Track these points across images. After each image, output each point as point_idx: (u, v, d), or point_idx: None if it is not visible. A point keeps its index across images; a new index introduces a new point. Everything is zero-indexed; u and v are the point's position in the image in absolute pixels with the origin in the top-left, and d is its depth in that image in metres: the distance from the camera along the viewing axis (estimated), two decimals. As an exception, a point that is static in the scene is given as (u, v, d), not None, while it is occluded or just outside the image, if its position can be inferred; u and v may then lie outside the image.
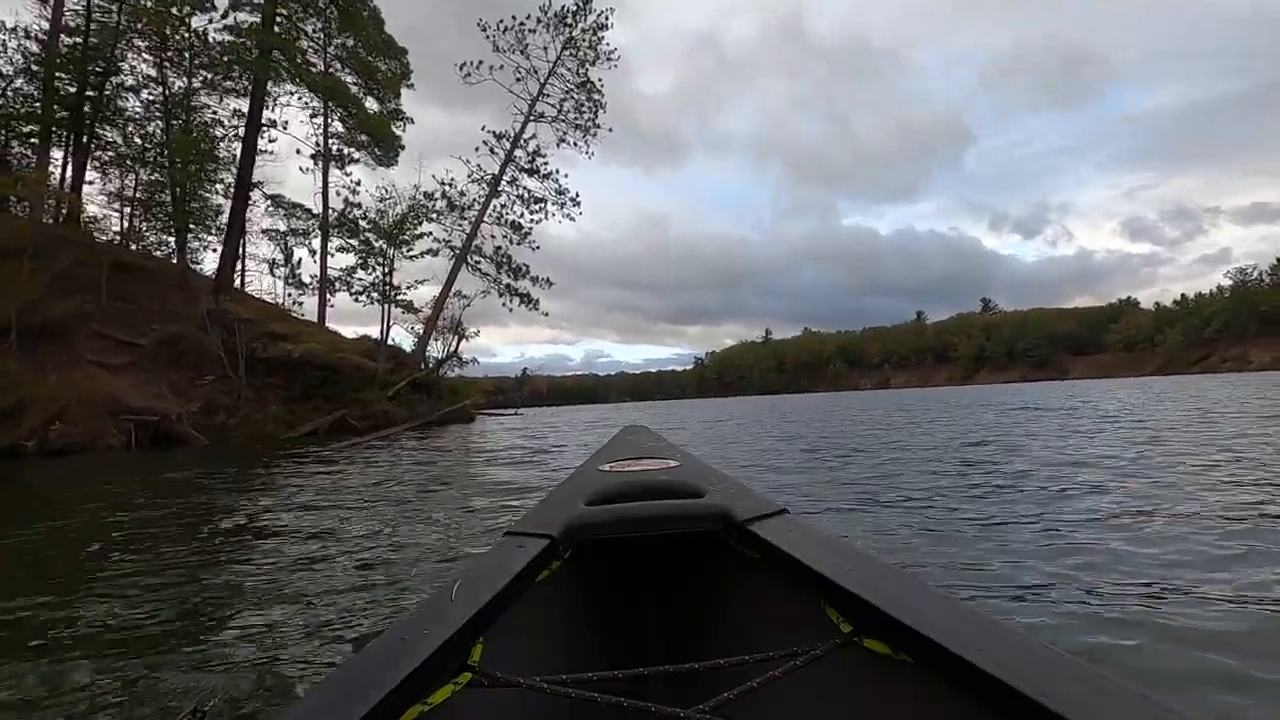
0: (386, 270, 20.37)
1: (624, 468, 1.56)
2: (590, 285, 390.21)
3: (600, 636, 1.20)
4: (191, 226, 18.01)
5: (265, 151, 25.18)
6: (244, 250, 27.24)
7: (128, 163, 17.68)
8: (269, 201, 21.35)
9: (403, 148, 22.36)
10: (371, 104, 21.62)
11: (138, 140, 17.66)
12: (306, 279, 26.17)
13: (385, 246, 20.23)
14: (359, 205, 22.74)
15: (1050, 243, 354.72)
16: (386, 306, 19.71)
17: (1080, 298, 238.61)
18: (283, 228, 22.93)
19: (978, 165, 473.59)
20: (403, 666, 0.66)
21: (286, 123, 24.89)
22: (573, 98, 26.28)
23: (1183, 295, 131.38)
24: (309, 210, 22.79)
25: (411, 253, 21.20)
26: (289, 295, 23.64)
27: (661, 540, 1.12)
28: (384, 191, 20.05)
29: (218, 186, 18.23)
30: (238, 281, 27.12)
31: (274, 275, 22.11)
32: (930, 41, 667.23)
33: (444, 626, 0.74)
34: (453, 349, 21.80)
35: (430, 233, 22.76)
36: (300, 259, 23.20)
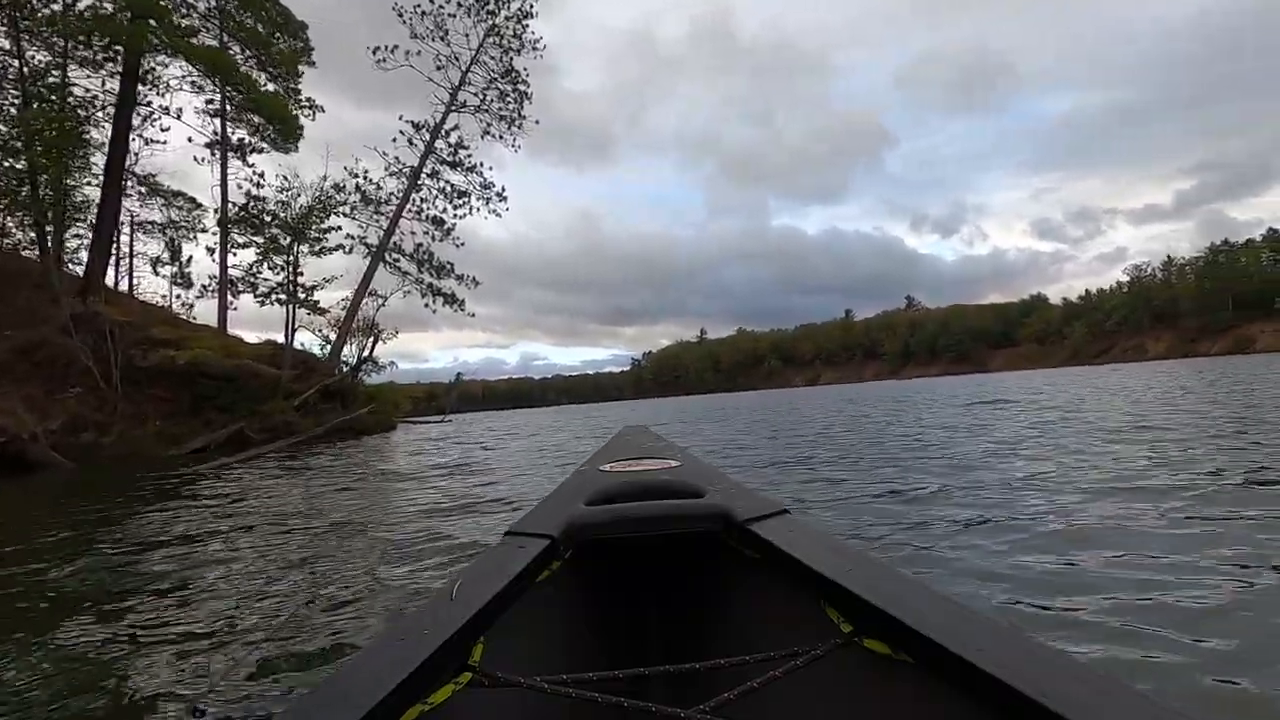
0: (291, 268, 18.58)
1: (624, 468, 1.55)
2: (523, 287, 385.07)
3: (600, 636, 1.19)
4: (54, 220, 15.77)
5: (157, 141, 22.97)
6: (131, 248, 24.92)
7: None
8: (144, 189, 19.07)
9: (301, 128, 20.40)
10: (270, 86, 19.67)
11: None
12: (207, 279, 24.01)
13: (289, 242, 18.43)
14: (262, 199, 20.80)
15: (967, 242, 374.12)
16: (291, 307, 17.96)
17: (994, 294, 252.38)
18: (162, 219, 20.51)
19: (899, 167, 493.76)
20: (403, 666, 0.65)
21: (180, 110, 22.75)
22: (497, 87, 25.06)
23: (1087, 291, 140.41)
24: (192, 199, 20.62)
25: (321, 246, 19.43)
26: (178, 297, 21.40)
27: (662, 540, 1.11)
28: (285, 180, 18.23)
29: (91, 175, 16.04)
30: (125, 283, 24.62)
31: (157, 274, 19.84)
32: (854, 44, 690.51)
33: (444, 626, 0.74)
34: (367, 352, 20.17)
35: (340, 227, 21.06)
36: (190, 256, 21.03)
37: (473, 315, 25.45)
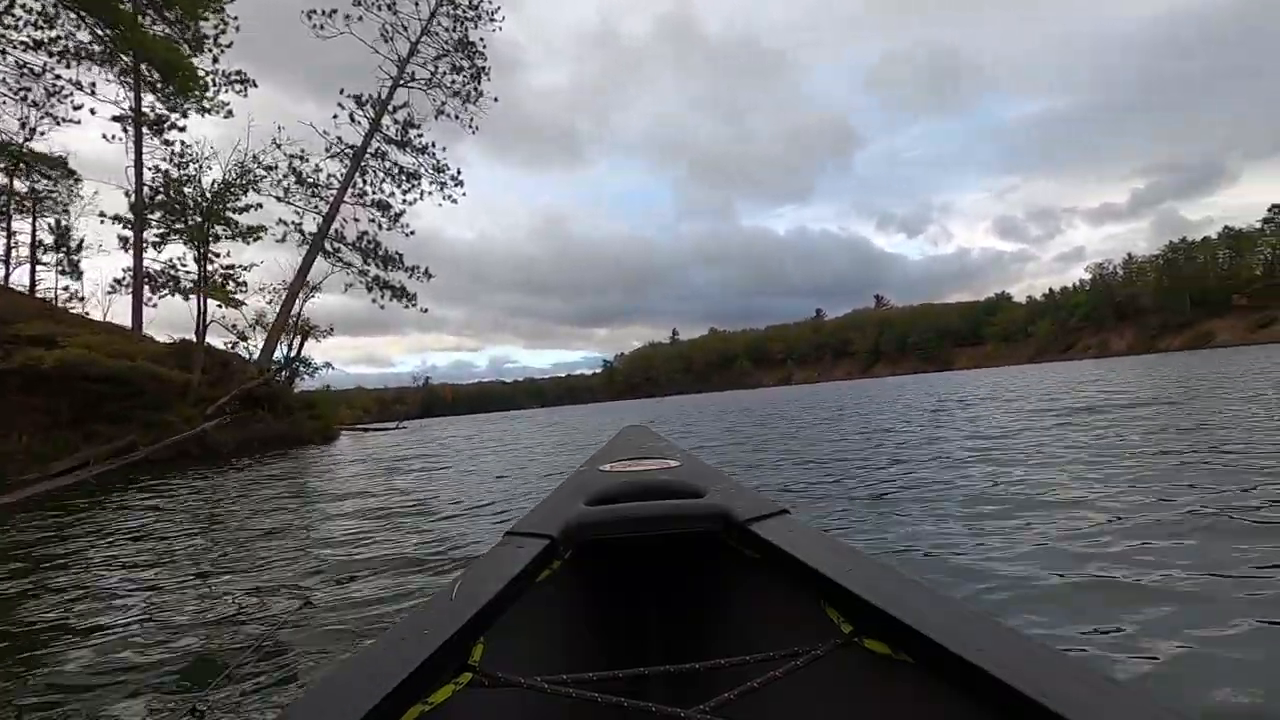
0: (200, 252, 16.02)
1: (624, 468, 1.55)
2: (493, 290, 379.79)
3: (600, 636, 1.19)
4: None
5: (71, 120, 20.16)
6: (34, 237, 21.95)
7: None
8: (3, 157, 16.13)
9: (205, 91, 17.54)
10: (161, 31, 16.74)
11: None
12: (120, 272, 21.20)
13: (200, 222, 15.84)
14: (181, 180, 18.15)
15: (932, 241, 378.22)
16: (200, 299, 15.43)
17: (960, 293, 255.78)
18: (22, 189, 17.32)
19: (866, 168, 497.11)
20: (403, 666, 0.65)
21: (94, 85, 19.99)
22: (450, 60, 22.86)
23: (1050, 289, 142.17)
24: (63, 163, 17.68)
25: (241, 230, 16.85)
26: (64, 289, 18.61)
27: (662, 540, 1.11)
28: (186, 148, 15.53)
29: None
30: (23, 275, 21.61)
31: (39, 262, 17.02)
32: (819, 44, 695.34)
33: (444, 626, 0.74)
34: (294, 352, 17.70)
35: (261, 205, 18.51)
36: (81, 240, 18.22)
37: (425, 311, 23.24)
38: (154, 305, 20.50)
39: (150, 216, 19.80)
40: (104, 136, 20.25)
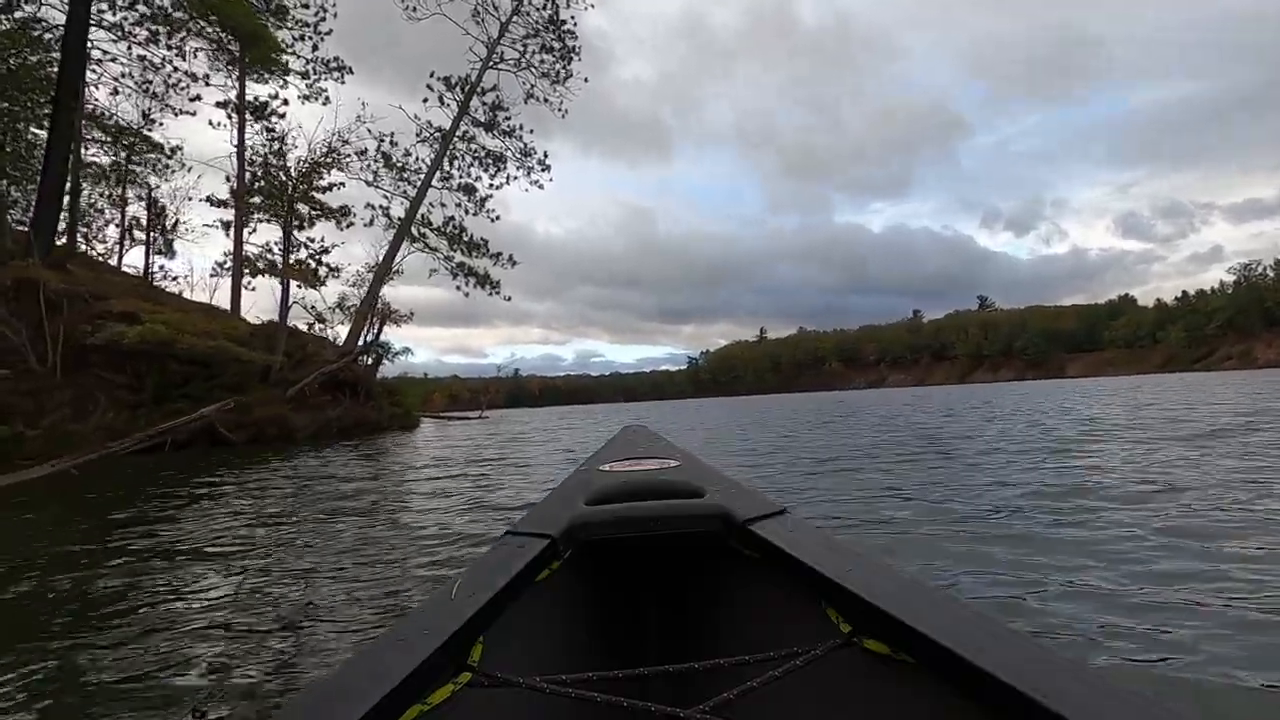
0: (283, 232, 15.87)
1: (624, 467, 1.55)
2: (579, 284, 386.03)
3: (600, 636, 1.17)
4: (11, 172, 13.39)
5: (186, 113, 20.87)
6: (150, 218, 22.91)
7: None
8: (91, 124, 16.40)
9: (323, 95, 17.38)
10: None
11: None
12: (222, 255, 21.79)
13: (283, 203, 15.68)
14: (267, 160, 18.23)
15: (1043, 240, 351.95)
16: (284, 280, 15.24)
17: (1073, 296, 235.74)
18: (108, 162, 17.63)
19: (970, 161, 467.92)
20: (403, 666, 0.66)
21: (208, 76, 20.58)
22: (540, 39, 22.11)
23: (1184, 292, 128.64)
24: (146, 138, 17.93)
25: (322, 208, 16.63)
26: (160, 268, 19.04)
27: (662, 540, 1.10)
28: (273, 123, 15.34)
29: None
30: (138, 253, 22.57)
31: (131, 239, 17.40)
32: (922, 26, 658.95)
33: (444, 626, 0.74)
34: (373, 336, 17.34)
35: (343, 184, 18.28)
36: (176, 219, 18.57)
37: (508, 299, 22.67)
38: (253, 289, 20.93)
39: (249, 200, 20.24)
40: (210, 123, 20.86)
